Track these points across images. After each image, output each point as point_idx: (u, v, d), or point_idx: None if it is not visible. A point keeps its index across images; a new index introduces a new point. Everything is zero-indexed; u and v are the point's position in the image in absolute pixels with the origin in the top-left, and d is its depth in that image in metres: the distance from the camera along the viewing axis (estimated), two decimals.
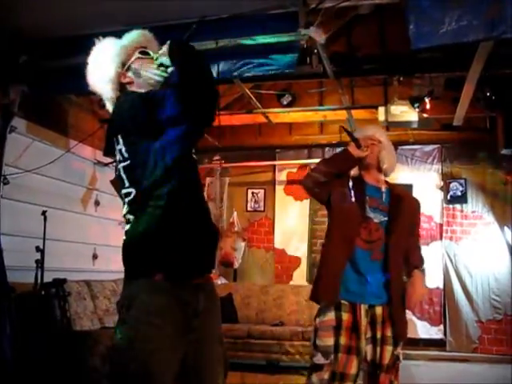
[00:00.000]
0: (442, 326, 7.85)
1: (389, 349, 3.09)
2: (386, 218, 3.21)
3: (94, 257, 6.42)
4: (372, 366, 3.08)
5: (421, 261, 3.37)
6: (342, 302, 3.11)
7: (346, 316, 3.06)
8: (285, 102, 7.52)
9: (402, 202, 3.30)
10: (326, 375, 3.02)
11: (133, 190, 2.03)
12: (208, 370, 2.13)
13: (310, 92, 7.64)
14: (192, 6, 3.93)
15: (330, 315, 3.08)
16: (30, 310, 4.87)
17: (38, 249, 4.93)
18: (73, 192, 6.27)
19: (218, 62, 4.14)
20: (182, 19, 4.10)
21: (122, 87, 2.21)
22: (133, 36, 2.27)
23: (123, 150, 2.05)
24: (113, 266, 6.58)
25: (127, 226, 2.05)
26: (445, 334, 7.80)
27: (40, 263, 4.93)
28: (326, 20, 3.87)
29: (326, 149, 8.52)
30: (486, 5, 3.11)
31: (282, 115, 7.57)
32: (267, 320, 7.23)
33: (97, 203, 6.63)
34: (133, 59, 2.20)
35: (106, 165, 6.72)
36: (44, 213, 5.10)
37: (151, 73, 2.17)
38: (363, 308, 3.09)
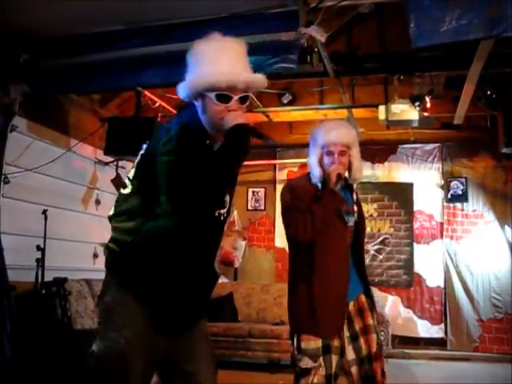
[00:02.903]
0: (442, 325, 7.85)
1: (374, 337, 3.05)
2: (353, 219, 3.16)
3: (95, 256, 6.42)
4: (357, 363, 3.03)
5: None
6: None
7: None
8: (285, 101, 7.52)
9: (355, 195, 3.27)
10: (314, 379, 2.93)
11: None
12: (199, 365, 2.18)
13: (311, 91, 7.64)
14: (192, 5, 3.93)
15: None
16: (30, 309, 4.88)
17: (38, 248, 4.93)
18: (73, 191, 6.27)
19: None
20: (183, 18, 4.11)
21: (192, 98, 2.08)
22: (228, 75, 2.01)
23: None
24: None
25: None
26: (445, 332, 7.80)
27: (41, 262, 4.93)
28: (327, 19, 3.86)
29: None
30: (487, 3, 3.11)
31: (283, 114, 7.57)
32: (268, 319, 7.23)
33: (97, 202, 6.64)
34: (207, 95, 2.01)
35: (107, 164, 6.72)
36: (45, 212, 5.10)
37: (212, 123, 2.05)
38: None
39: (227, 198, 2.22)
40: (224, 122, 2.00)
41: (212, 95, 2.00)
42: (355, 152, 3.13)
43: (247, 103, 2.10)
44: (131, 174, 2.16)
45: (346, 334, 3.04)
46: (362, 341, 3.03)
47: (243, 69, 2.07)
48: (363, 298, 3.13)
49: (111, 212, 2.21)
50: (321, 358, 2.94)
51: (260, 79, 2.11)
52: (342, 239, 3.10)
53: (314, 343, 2.98)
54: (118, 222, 2.18)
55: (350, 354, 3.03)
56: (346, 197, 3.21)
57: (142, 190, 2.08)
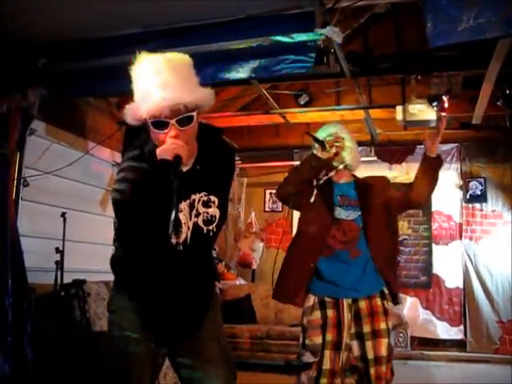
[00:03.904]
0: (462, 327, 7.80)
1: (384, 341, 3.11)
2: (359, 213, 3.28)
3: None
4: (362, 361, 3.11)
5: None
6: (326, 299, 3.19)
7: (330, 313, 3.15)
8: (302, 102, 7.51)
9: (369, 188, 3.37)
10: (314, 373, 3.09)
11: None
12: (206, 367, 2.18)
13: (327, 92, 7.63)
14: (208, 7, 3.94)
15: (317, 314, 3.16)
16: (49, 311, 4.91)
17: (57, 250, 4.96)
18: (92, 193, 6.31)
19: (235, 63, 4.15)
20: (199, 21, 4.11)
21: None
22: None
23: None
24: None
25: None
26: (465, 334, 7.74)
27: (60, 264, 4.96)
28: (343, 19, 3.85)
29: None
30: (505, 2, 3.09)
31: (300, 115, 7.56)
32: (286, 320, 7.22)
33: None
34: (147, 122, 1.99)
35: None
36: (63, 214, 5.13)
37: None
38: (346, 303, 3.16)
39: (184, 228, 2.09)
40: (158, 152, 1.94)
41: (149, 123, 1.96)
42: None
43: (192, 124, 2.00)
44: None
45: (352, 330, 3.13)
46: (370, 344, 3.10)
47: (179, 89, 1.92)
48: (379, 300, 3.18)
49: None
50: (325, 352, 3.08)
51: (201, 96, 2.00)
52: (321, 229, 3.25)
53: (315, 339, 3.13)
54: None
55: (356, 351, 3.12)
56: (349, 191, 3.35)
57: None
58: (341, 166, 3.36)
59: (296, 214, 9.00)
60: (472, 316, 7.75)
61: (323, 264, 3.24)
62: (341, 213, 3.27)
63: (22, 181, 5.00)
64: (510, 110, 6.41)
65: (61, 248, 4.99)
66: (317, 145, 3.24)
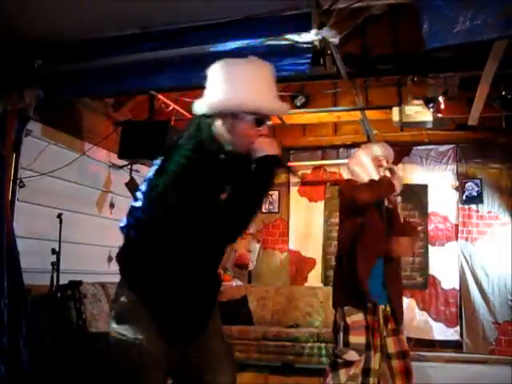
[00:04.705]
0: (458, 328, 7.80)
1: (404, 338, 3.53)
2: None
3: (110, 259, 6.44)
4: (386, 357, 3.45)
5: None
6: (368, 304, 3.47)
7: (369, 317, 3.42)
8: (298, 104, 7.49)
9: (393, 213, 3.88)
10: (355, 371, 3.29)
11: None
12: (216, 361, 2.24)
13: (324, 93, 7.62)
14: (204, 7, 3.94)
15: (360, 315, 3.40)
16: (45, 312, 4.91)
17: (53, 251, 4.96)
18: (88, 194, 6.31)
19: None
20: (195, 22, 4.11)
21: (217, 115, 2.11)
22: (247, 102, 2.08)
23: None
24: None
25: None
26: (461, 335, 7.75)
27: (56, 265, 4.95)
28: (340, 21, 3.85)
29: (341, 150, 8.51)
30: (501, 3, 3.09)
31: (296, 116, 7.56)
32: (282, 322, 7.22)
33: (112, 205, 6.67)
34: (244, 116, 2.09)
35: (121, 167, 6.75)
36: (59, 215, 5.13)
37: (238, 143, 2.12)
38: (381, 309, 3.51)
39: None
40: (255, 147, 2.08)
41: (249, 118, 2.07)
42: None
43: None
44: (143, 188, 2.17)
45: (384, 332, 3.47)
46: (391, 340, 3.48)
47: (276, 97, 2.17)
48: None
49: (122, 224, 2.23)
50: (364, 353, 3.33)
51: (286, 109, 2.37)
52: (381, 241, 3.65)
53: (360, 339, 3.37)
54: (128, 231, 2.21)
55: (391, 348, 3.46)
56: None
57: (151, 203, 2.10)
58: None
59: (292, 215, 9.00)
60: (468, 317, 7.75)
61: None
62: None
63: (18, 182, 4.99)
64: (506, 111, 6.42)
65: (57, 249, 4.98)
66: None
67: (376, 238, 3.55)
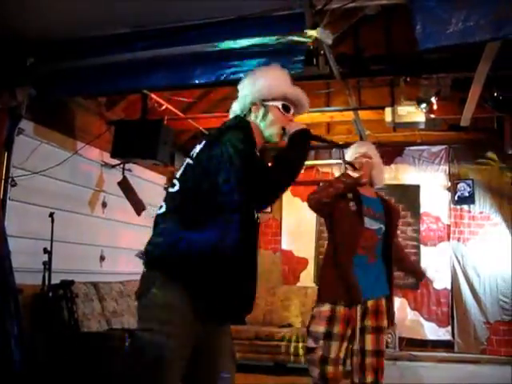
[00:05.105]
0: (449, 328, 7.84)
1: (385, 337, 3.58)
2: (382, 225, 3.67)
3: (102, 258, 6.43)
4: (360, 353, 3.50)
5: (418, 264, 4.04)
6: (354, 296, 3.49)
7: (341, 309, 3.45)
8: None
9: (390, 209, 3.83)
10: (315, 356, 3.42)
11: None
12: (221, 358, 2.35)
13: (317, 93, 7.62)
14: (198, 8, 3.94)
15: (327, 307, 3.47)
16: (37, 312, 4.90)
17: (45, 250, 4.94)
18: (80, 194, 6.28)
19: (223, 64, 4.14)
20: (188, 21, 4.11)
21: (247, 110, 2.45)
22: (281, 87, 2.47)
23: None
24: (120, 267, 6.59)
25: None
26: (453, 335, 7.78)
27: (47, 265, 4.94)
28: (333, 21, 3.86)
29: (333, 150, 8.52)
30: (494, 5, 3.10)
31: None
32: (275, 321, 7.23)
33: (104, 205, 6.64)
34: (272, 103, 2.43)
35: (114, 166, 6.73)
36: (51, 215, 5.11)
37: (272, 129, 2.43)
38: (369, 303, 3.54)
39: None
40: (288, 128, 2.41)
41: (279, 104, 2.43)
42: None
43: None
44: (179, 173, 2.31)
45: (359, 325, 3.49)
46: (371, 337, 3.50)
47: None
48: (384, 302, 3.59)
49: (161, 211, 2.29)
50: (321, 342, 3.41)
51: (307, 98, 2.58)
52: (356, 233, 3.60)
53: (318, 328, 3.46)
54: (167, 218, 2.26)
55: (355, 344, 3.50)
56: (375, 205, 3.74)
57: (192, 189, 2.22)
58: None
59: (285, 215, 8.99)
60: (460, 317, 7.79)
61: None
62: (366, 222, 3.61)
63: (9, 180, 4.97)
64: (498, 112, 6.45)
65: (49, 248, 4.97)
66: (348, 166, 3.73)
67: (349, 230, 3.60)
